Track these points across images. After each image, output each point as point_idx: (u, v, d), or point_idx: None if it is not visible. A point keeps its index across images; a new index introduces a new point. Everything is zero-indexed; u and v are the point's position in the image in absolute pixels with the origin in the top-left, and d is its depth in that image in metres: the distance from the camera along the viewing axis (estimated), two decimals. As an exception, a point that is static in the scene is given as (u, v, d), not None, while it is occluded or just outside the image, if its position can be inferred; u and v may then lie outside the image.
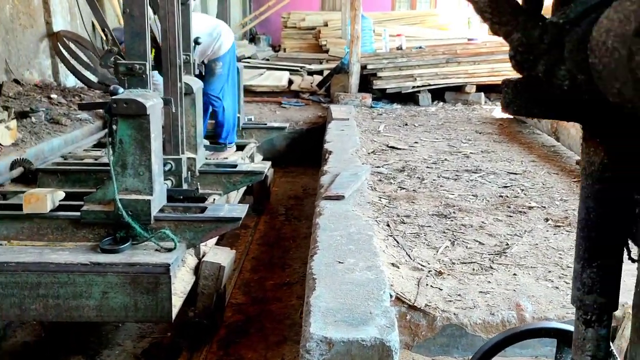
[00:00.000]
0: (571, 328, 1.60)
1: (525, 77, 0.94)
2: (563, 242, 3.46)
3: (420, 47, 9.11)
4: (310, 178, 7.66)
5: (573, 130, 5.17)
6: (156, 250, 3.36)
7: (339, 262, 2.96)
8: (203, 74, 5.42)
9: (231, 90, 5.68)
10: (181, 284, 3.59)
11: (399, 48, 9.08)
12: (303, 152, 7.96)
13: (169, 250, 3.35)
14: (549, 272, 3.09)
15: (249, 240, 5.65)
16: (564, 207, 4.05)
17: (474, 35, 9.70)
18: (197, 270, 3.90)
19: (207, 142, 5.45)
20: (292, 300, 4.52)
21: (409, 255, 3.25)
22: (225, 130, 5.62)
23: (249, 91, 9.03)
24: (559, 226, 3.71)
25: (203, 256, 3.99)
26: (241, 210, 3.76)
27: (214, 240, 4.11)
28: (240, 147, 5.95)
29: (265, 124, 6.76)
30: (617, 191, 0.96)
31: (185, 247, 3.57)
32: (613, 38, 0.54)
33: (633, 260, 1.02)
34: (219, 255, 4.08)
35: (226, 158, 5.53)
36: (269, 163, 5.38)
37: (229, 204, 4.29)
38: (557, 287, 2.93)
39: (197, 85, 4.64)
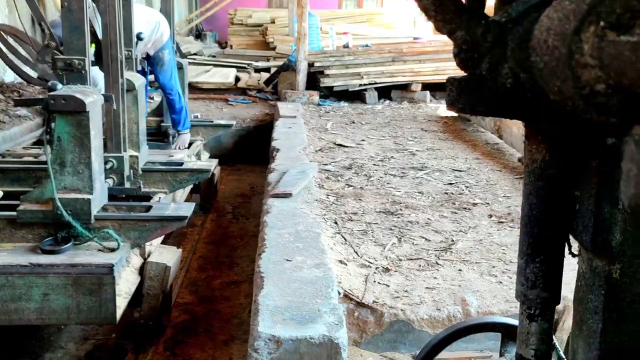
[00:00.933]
0: (514, 322, 1.64)
1: (470, 75, 0.95)
2: (506, 237, 3.53)
3: (367, 46, 9.17)
4: (258, 176, 7.62)
5: (515, 128, 5.29)
6: (99, 250, 3.28)
7: (287, 260, 2.95)
8: (146, 69, 5.33)
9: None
10: (126, 284, 3.52)
11: (346, 46, 9.12)
12: (250, 150, 7.91)
13: (113, 250, 3.27)
14: (493, 267, 3.15)
15: (196, 238, 5.59)
16: (507, 204, 4.14)
17: (419, 34, 9.82)
18: (142, 270, 3.83)
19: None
20: (240, 299, 4.49)
21: (356, 253, 3.26)
22: (184, 116, 5.64)
23: (195, 88, 8.93)
24: (502, 222, 3.78)
25: (148, 256, 3.92)
26: (188, 209, 3.71)
27: (160, 239, 4.04)
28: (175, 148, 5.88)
29: (212, 122, 6.68)
30: (559, 188, 0.98)
31: (130, 247, 3.49)
32: (553, 36, 0.54)
33: (574, 255, 1.04)
34: (165, 255, 4.01)
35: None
36: (215, 161, 5.33)
37: (175, 203, 4.22)
38: (500, 282, 2.99)
39: (139, 81, 4.55)
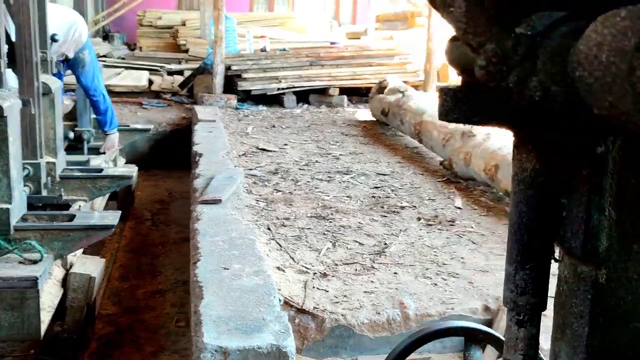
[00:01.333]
0: (476, 326, 1.67)
1: (465, 86, 0.96)
2: (436, 240, 3.62)
3: (284, 50, 9.17)
4: (176, 181, 7.46)
5: (435, 132, 5.43)
6: (20, 262, 3.11)
7: (225, 269, 2.89)
8: (62, 72, 5.11)
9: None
10: (49, 297, 3.37)
11: (263, 50, 9.08)
12: (167, 155, 7.73)
13: (35, 262, 3.12)
14: (427, 269, 3.21)
15: (115, 247, 5.40)
16: (432, 207, 4.23)
17: (336, 39, 9.91)
18: (65, 282, 3.69)
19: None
20: (166, 309, 4.37)
21: (292, 259, 3.24)
22: (110, 116, 5.48)
23: (108, 91, 8.62)
24: (430, 225, 3.87)
25: (71, 267, 3.78)
26: (114, 217, 3.60)
27: (81, 249, 3.89)
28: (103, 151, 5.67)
29: (129, 126, 6.48)
30: (548, 196, 1.00)
31: (53, 259, 3.34)
32: (607, 52, 0.56)
33: (556, 260, 1.07)
34: (88, 265, 3.88)
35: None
36: (135, 167, 5.16)
37: (99, 211, 4.07)
38: (435, 284, 3.05)
39: (55, 84, 4.36)
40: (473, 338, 1.52)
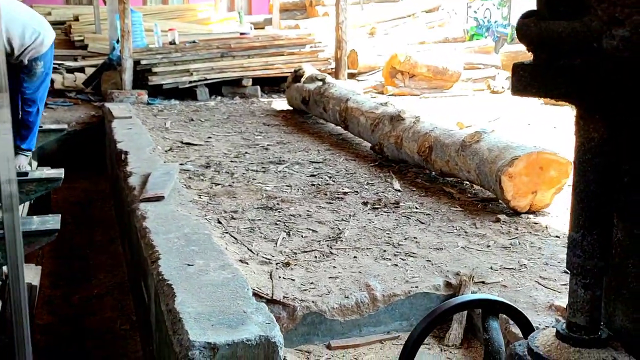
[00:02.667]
0: (495, 298, 1.73)
1: (543, 61, 0.99)
2: (385, 222, 3.69)
3: (194, 42, 8.97)
4: (91, 182, 7.17)
5: (363, 118, 5.51)
6: None
7: (189, 265, 2.82)
8: None
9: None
10: (-9, 310, 3.17)
11: (173, 43, 8.85)
12: (78, 155, 7.40)
13: None
14: (384, 251, 3.27)
15: (40, 254, 5.13)
16: (374, 191, 4.31)
17: (245, 29, 9.81)
18: (2, 292, 3.49)
19: None
20: (106, 313, 4.21)
21: (250, 250, 3.21)
22: (33, 134, 5.04)
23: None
24: (376, 208, 3.94)
25: (6, 277, 3.59)
26: (55, 221, 3.45)
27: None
28: None
29: (42, 126, 6.14)
30: (614, 164, 1.06)
31: None
32: None
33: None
34: (26, 274, 3.69)
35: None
36: (62, 169, 4.90)
37: (38, 216, 3.85)
38: (396, 265, 3.12)
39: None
40: (489, 309, 1.57)
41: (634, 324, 1.11)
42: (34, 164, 5.98)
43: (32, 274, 3.66)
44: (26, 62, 4.54)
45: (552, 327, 1.18)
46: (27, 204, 4.85)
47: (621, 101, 0.95)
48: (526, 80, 0.99)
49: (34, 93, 4.74)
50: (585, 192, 1.06)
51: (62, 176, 4.51)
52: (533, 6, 0.99)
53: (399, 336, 2.89)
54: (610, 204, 1.08)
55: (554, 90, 0.97)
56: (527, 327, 1.58)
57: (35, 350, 3.77)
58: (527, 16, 0.98)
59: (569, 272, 1.12)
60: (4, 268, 3.58)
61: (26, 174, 4.30)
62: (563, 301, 2.74)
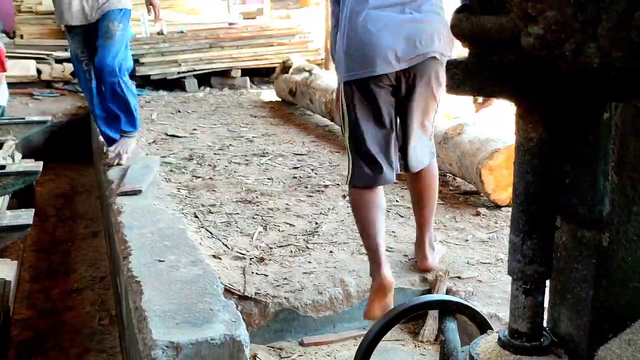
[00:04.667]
0: (452, 298, 1.69)
1: (475, 58, 0.95)
2: (365, 216, 3.64)
3: (182, 32, 8.90)
4: (77, 173, 7.12)
5: (348, 109, 5.45)
6: None
7: (160, 261, 2.78)
8: None
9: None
10: (-38, 306, 3.14)
11: (160, 33, 8.77)
12: (65, 146, 7.34)
13: None
14: (361, 245, 3.22)
15: (21, 247, 5.08)
16: (355, 183, 4.26)
17: (234, 19, 9.75)
18: None
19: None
20: (85, 307, 4.17)
21: (226, 245, 3.17)
22: (128, 111, 4.40)
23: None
24: (356, 201, 3.89)
25: None
26: (28, 216, 3.42)
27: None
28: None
29: (24, 118, 6.10)
30: (553, 164, 1.01)
31: None
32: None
33: (555, 228, 1.09)
34: (1, 269, 3.67)
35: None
36: (41, 162, 4.85)
37: (11, 211, 3.82)
38: (372, 260, 3.07)
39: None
40: (448, 310, 1.54)
41: (577, 330, 1.08)
42: (19, 155, 5.92)
43: (6, 269, 3.60)
44: (94, 17, 4.15)
45: (496, 332, 1.14)
46: (5, 197, 4.79)
47: (550, 100, 0.91)
48: (460, 78, 0.94)
49: (112, 60, 4.12)
50: (524, 195, 1.02)
51: (40, 169, 4.46)
52: None
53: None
54: (552, 206, 1.04)
55: (488, 87, 0.93)
56: (484, 327, 1.54)
57: (13, 346, 3.76)
58: (460, 11, 0.93)
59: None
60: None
61: (3, 167, 4.25)
62: (538, 297, 2.71)
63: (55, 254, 5.09)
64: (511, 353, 1.07)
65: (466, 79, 0.94)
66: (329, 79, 6.46)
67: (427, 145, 2.75)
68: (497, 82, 0.92)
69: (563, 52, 0.73)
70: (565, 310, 1.11)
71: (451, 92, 0.97)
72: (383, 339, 2.62)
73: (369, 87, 2.54)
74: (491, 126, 4.18)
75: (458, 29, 0.92)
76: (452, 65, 0.95)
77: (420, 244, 2.95)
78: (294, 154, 5.10)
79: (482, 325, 1.53)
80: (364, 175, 2.60)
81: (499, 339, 1.10)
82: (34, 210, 3.52)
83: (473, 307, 1.55)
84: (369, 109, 2.57)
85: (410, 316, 1.58)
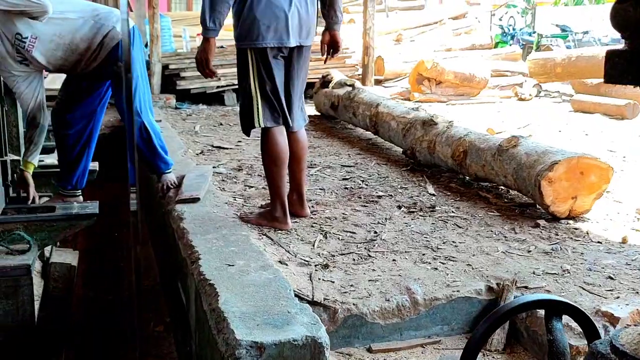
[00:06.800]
0: (557, 298, 1.69)
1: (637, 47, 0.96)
2: (422, 226, 3.65)
3: (222, 47, 9.01)
4: (120, 185, 7.19)
5: (394, 123, 5.48)
6: (7, 254, 3.10)
7: (229, 265, 2.81)
8: None
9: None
10: (34, 288, 3.32)
11: (200, 48, 8.88)
12: (108, 159, 7.41)
13: (22, 252, 3.12)
14: (423, 255, 3.23)
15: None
16: (408, 195, 4.27)
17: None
18: (44, 272, 3.75)
19: None
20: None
21: (289, 252, 3.20)
22: (155, 152, 4.06)
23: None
24: (412, 212, 3.90)
25: (47, 259, 3.81)
26: (94, 206, 3.62)
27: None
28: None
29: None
30: None
31: (38, 249, 3.34)
32: None
33: None
34: (65, 256, 3.92)
35: None
36: (96, 202, 5.00)
37: (78, 202, 4.02)
38: (436, 269, 3.08)
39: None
40: (553, 310, 1.54)
41: None
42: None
43: (71, 256, 3.91)
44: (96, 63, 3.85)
45: (634, 325, 1.15)
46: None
47: None
48: (622, 67, 0.96)
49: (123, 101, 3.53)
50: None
51: (96, 168, 4.62)
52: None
53: (440, 341, 2.85)
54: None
55: (652, 77, 0.94)
56: (591, 330, 1.54)
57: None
58: (623, 1, 0.95)
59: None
60: (46, 249, 3.75)
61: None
62: (609, 307, 2.69)
63: (103, 264, 5.18)
64: (657, 343, 1.07)
65: (630, 68, 0.95)
66: (372, 93, 6.50)
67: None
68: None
69: None
70: None
71: (611, 81, 0.98)
72: (453, 347, 2.63)
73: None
74: (545, 139, 4.18)
75: (622, 19, 0.94)
76: (614, 55, 0.96)
77: (300, 196, 3.67)
78: (342, 165, 5.12)
79: (590, 329, 1.53)
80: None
81: (644, 330, 1.11)
82: (97, 202, 3.68)
83: (581, 308, 1.55)
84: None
85: (516, 315, 1.59)
